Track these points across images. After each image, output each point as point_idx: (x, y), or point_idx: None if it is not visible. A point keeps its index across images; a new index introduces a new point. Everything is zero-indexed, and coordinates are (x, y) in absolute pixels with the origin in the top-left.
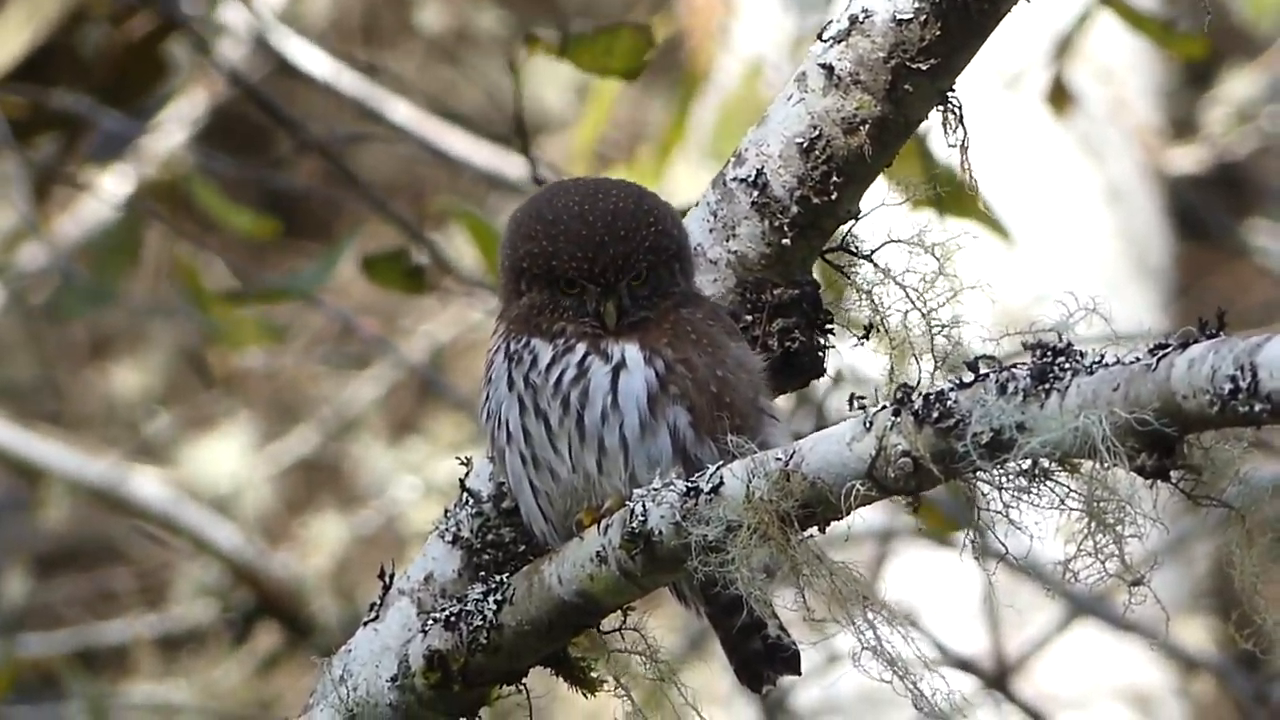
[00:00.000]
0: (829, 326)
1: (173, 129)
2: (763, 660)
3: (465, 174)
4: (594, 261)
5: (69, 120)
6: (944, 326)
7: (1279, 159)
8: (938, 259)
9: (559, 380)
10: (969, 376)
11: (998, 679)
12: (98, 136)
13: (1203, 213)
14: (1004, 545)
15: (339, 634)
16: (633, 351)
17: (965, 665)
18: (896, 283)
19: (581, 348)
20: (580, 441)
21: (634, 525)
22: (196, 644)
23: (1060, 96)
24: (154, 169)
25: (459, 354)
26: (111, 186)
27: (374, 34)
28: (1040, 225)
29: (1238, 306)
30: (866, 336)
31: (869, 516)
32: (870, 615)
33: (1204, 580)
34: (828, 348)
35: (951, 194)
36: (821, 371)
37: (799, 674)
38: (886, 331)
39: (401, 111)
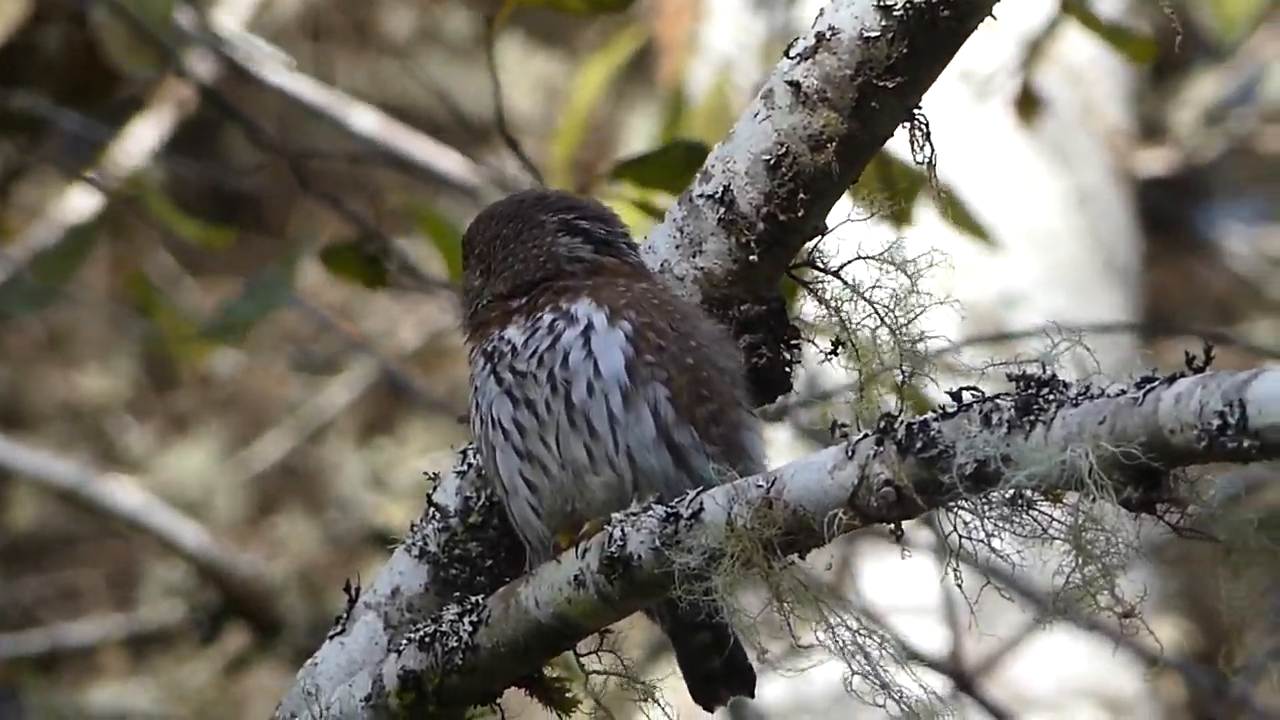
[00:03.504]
0: (795, 343)
1: (138, 134)
2: (719, 679)
3: (420, 175)
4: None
5: (31, 122)
6: (913, 342)
7: (1246, 160)
8: (907, 275)
9: (538, 356)
10: (952, 406)
11: (963, 682)
12: (63, 140)
13: (1171, 213)
14: (971, 551)
15: (306, 635)
16: (586, 308)
17: (936, 668)
18: (864, 299)
19: (548, 316)
20: (571, 426)
21: (613, 550)
22: (164, 644)
23: (1028, 104)
24: (121, 177)
25: (429, 359)
26: (79, 199)
27: (327, 33)
28: (1008, 228)
29: (1197, 304)
30: (834, 352)
31: None
32: (860, 640)
33: (1173, 580)
34: (795, 363)
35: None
36: (789, 387)
37: (753, 695)
38: (855, 348)
39: (364, 120)
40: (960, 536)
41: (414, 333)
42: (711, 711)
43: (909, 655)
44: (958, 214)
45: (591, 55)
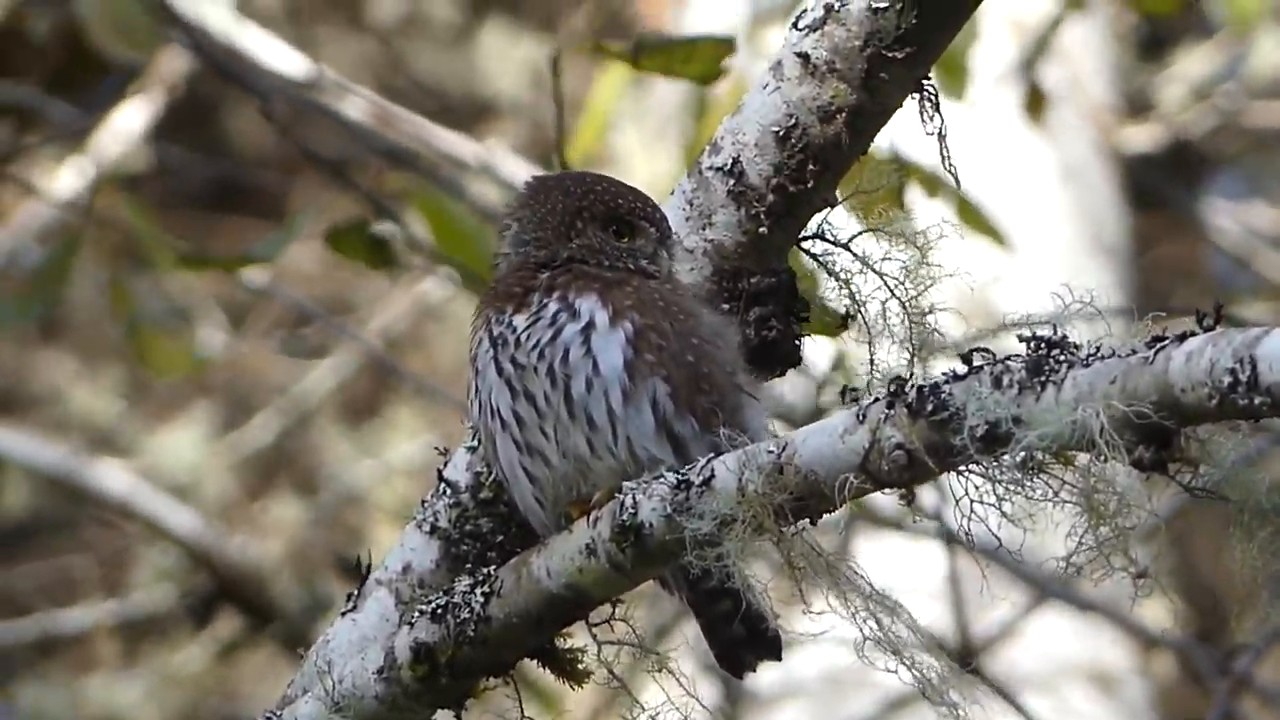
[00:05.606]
0: (805, 315)
1: (126, 116)
2: (745, 646)
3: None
4: (655, 210)
5: (20, 111)
6: (923, 314)
7: (1234, 137)
8: (918, 247)
9: (539, 349)
10: (962, 369)
11: (965, 660)
12: (51, 127)
13: (1158, 190)
14: (967, 531)
15: (299, 619)
16: (590, 304)
17: (943, 649)
18: (874, 271)
19: (553, 306)
20: (570, 418)
21: (624, 518)
22: (157, 631)
23: (1036, 102)
24: (111, 159)
25: (418, 339)
26: (68, 180)
27: (313, 18)
28: (995, 205)
29: (1186, 282)
30: (844, 325)
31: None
32: (871, 605)
33: (1164, 559)
34: (804, 336)
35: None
36: (798, 360)
37: (780, 659)
38: (865, 320)
39: (357, 107)
40: (971, 501)
41: (407, 310)
42: (740, 679)
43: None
44: (971, 216)
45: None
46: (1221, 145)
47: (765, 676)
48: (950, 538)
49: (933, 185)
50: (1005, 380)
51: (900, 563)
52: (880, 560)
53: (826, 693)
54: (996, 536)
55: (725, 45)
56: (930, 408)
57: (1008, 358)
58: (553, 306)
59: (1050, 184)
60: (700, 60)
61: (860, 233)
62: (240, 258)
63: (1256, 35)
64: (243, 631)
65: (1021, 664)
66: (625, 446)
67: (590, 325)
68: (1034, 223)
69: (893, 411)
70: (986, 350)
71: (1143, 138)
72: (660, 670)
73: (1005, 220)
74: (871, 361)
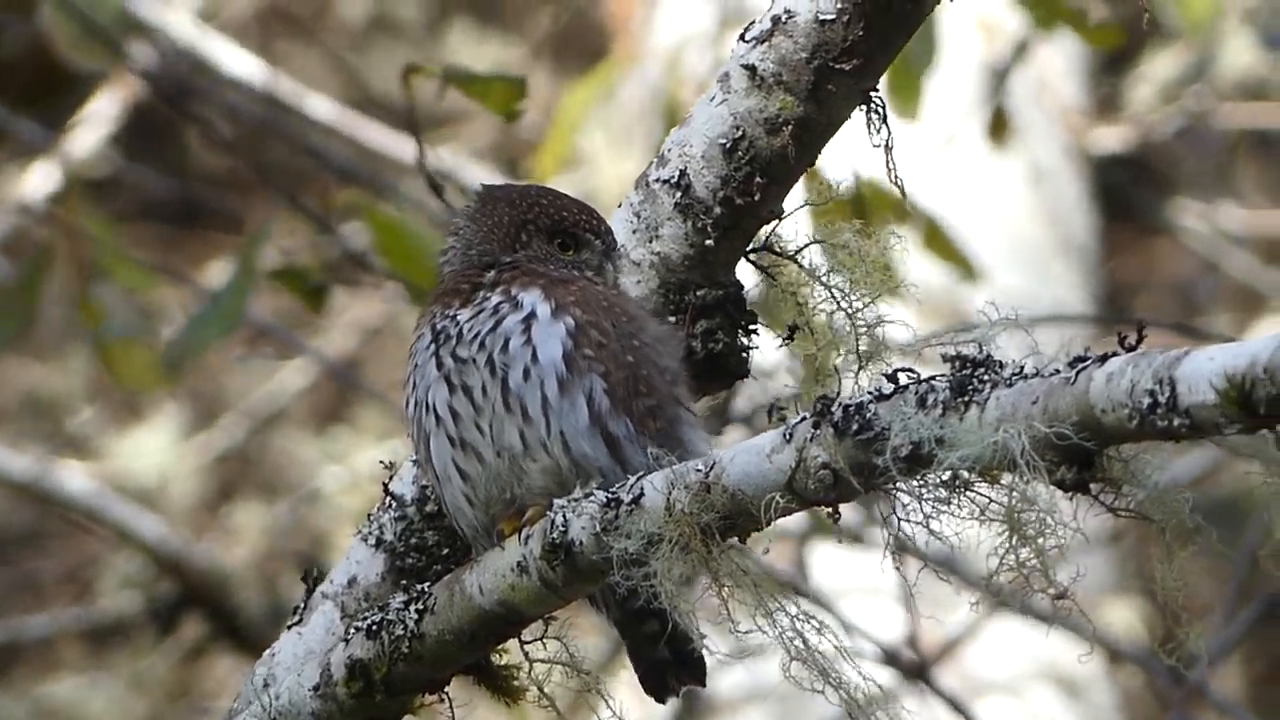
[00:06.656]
0: (752, 328)
1: (90, 127)
2: (669, 668)
3: (380, 165)
4: (600, 223)
5: None
6: (868, 327)
7: (1202, 138)
8: (862, 259)
9: (480, 339)
10: (888, 387)
11: (918, 671)
12: (18, 143)
13: (1127, 191)
14: (909, 533)
15: (263, 624)
16: (533, 297)
17: (890, 659)
18: (821, 283)
19: (496, 298)
20: (505, 410)
21: (554, 536)
22: (123, 636)
23: (1000, 126)
24: (74, 167)
25: (380, 346)
26: (34, 185)
27: (279, 22)
28: (964, 205)
29: (1153, 283)
30: (790, 337)
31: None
32: (798, 625)
33: (1130, 561)
34: (751, 349)
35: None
36: (745, 373)
37: (703, 684)
38: (811, 332)
39: (320, 108)
40: (899, 519)
41: (372, 316)
42: (663, 703)
43: (852, 644)
44: (939, 243)
45: (574, 77)
46: (1190, 146)
47: (727, 679)
48: (896, 545)
49: (901, 211)
50: (930, 400)
51: (859, 561)
52: (839, 562)
53: (789, 695)
54: (927, 559)
55: (516, 87)
56: (855, 427)
57: (933, 377)
58: (495, 299)
59: (1019, 185)
60: (495, 96)
61: (807, 245)
62: (193, 344)
63: (1221, 37)
64: (208, 637)
65: (986, 668)
66: (559, 441)
67: (532, 316)
68: (1003, 223)
69: (819, 431)
70: (911, 370)
71: (1112, 139)
72: (590, 690)
73: (974, 221)
74: (816, 373)
